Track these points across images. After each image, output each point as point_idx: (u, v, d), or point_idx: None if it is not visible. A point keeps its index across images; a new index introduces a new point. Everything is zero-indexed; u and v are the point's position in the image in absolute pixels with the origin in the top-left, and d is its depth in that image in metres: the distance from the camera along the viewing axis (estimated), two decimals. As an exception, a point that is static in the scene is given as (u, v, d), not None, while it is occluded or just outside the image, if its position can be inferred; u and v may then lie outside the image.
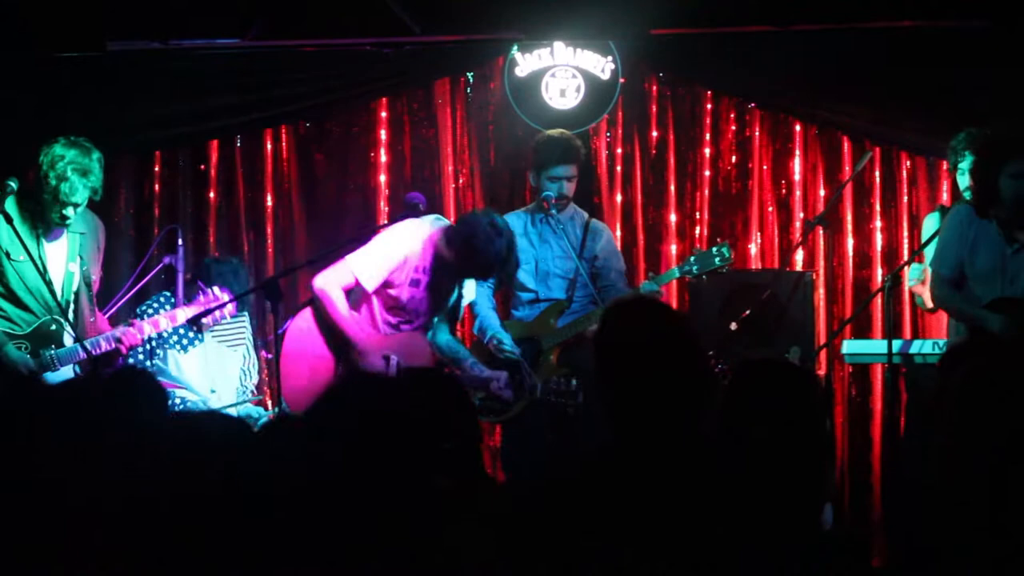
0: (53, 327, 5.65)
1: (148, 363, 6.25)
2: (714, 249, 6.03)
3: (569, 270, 6.19)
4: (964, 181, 6.05)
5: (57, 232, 5.66)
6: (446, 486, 2.73)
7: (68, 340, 5.65)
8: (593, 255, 6.19)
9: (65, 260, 5.69)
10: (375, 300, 5.85)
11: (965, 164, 6.01)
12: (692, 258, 6.08)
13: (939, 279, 5.60)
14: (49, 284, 5.60)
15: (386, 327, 5.88)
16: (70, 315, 5.65)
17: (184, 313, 5.80)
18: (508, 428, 6.31)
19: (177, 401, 6.15)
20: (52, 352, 5.59)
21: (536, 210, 6.30)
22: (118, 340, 5.61)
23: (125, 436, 2.98)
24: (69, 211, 5.56)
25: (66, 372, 5.62)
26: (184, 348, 6.31)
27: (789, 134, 7.53)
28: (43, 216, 5.57)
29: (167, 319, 5.77)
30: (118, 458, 2.91)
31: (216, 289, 5.88)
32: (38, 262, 5.53)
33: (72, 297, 5.70)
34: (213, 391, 6.33)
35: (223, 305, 5.79)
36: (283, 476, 2.68)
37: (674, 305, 7.50)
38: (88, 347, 5.56)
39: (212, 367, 6.35)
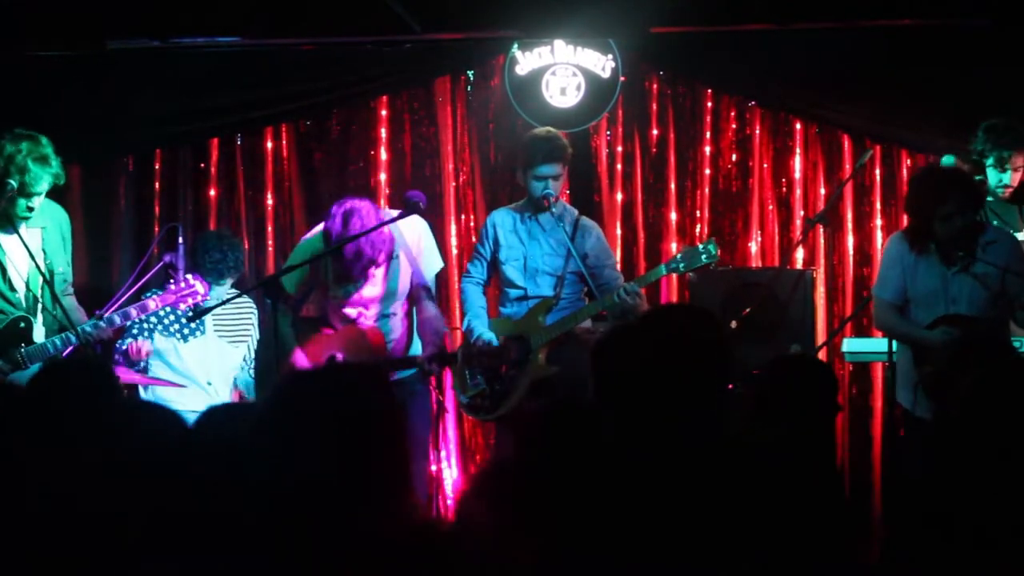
0: (21, 325, 5.65)
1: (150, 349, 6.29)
2: (701, 246, 5.96)
3: (557, 267, 6.17)
4: (995, 178, 6.21)
5: (14, 227, 5.65)
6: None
7: (38, 337, 5.66)
8: (583, 253, 6.16)
9: (27, 256, 5.68)
10: (327, 302, 5.95)
11: (991, 159, 6.21)
12: (679, 255, 6.01)
13: (882, 304, 5.73)
14: (11, 283, 5.60)
15: (341, 323, 5.94)
16: (38, 311, 5.65)
17: (155, 302, 5.82)
18: (501, 426, 6.31)
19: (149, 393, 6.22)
20: (23, 350, 5.59)
21: (525, 207, 6.28)
22: (88, 335, 5.60)
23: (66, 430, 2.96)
24: (34, 202, 5.58)
25: (36, 369, 5.61)
26: (184, 338, 6.33)
27: (789, 132, 7.53)
28: (4, 213, 5.57)
29: (138, 309, 5.78)
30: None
31: (189, 276, 5.92)
32: (0, 263, 5.55)
33: (39, 292, 5.69)
34: (210, 383, 6.35)
35: (195, 292, 5.83)
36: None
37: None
38: (59, 343, 5.57)
39: (211, 361, 6.37)
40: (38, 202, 5.59)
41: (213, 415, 2.85)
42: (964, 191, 5.52)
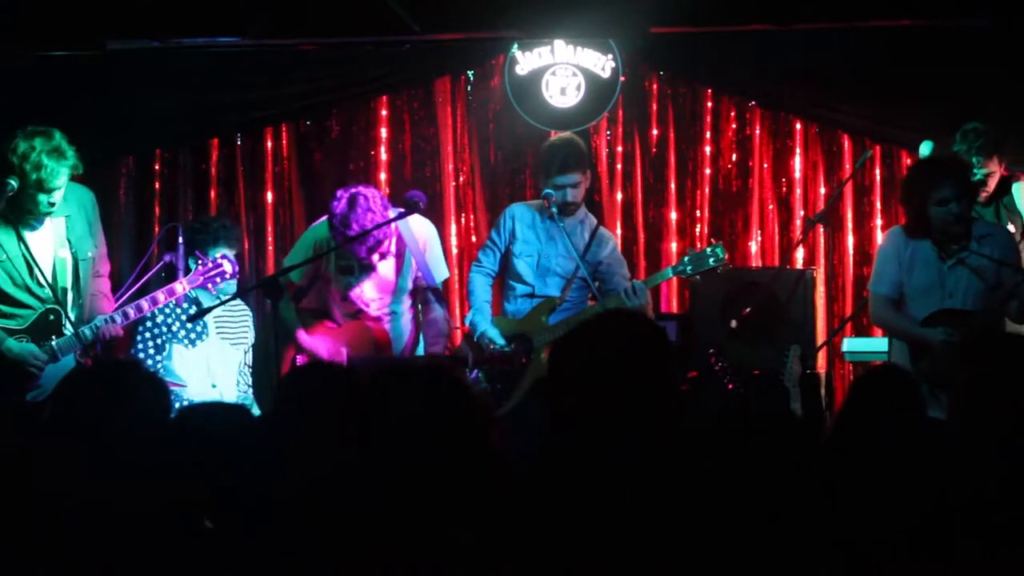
0: (51, 317, 5.65)
1: (154, 357, 6.27)
2: (708, 249, 5.96)
3: (568, 271, 6.17)
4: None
5: (39, 221, 5.65)
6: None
7: (68, 329, 5.66)
8: (597, 261, 6.17)
9: (53, 247, 5.67)
10: (329, 295, 6.06)
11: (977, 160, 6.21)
12: (686, 258, 6.00)
13: (878, 298, 5.70)
14: (38, 277, 5.60)
15: (344, 318, 6.07)
16: (69, 304, 5.66)
17: (182, 284, 5.80)
18: (501, 424, 6.31)
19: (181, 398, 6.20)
20: (53, 342, 5.60)
21: (544, 208, 6.27)
22: (99, 328, 5.59)
23: (125, 431, 2.98)
24: (55, 196, 5.57)
25: (69, 361, 5.61)
26: (192, 343, 6.32)
27: (789, 132, 7.53)
28: (27, 209, 5.57)
29: (165, 293, 5.77)
30: (118, 455, 2.92)
31: (217, 255, 5.87)
32: (25, 258, 5.55)
33: (68, 284, 5.69)
34: (214, 386, 6.34)
35: (223, 272, 5.81)
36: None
37: (674, 303, 7.52)
38: (88, 333, 5.57)
39: (214, 362, 6.36)
40: (58, 196, 5.59)
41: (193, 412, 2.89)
42: (960, 178, 5.53)
